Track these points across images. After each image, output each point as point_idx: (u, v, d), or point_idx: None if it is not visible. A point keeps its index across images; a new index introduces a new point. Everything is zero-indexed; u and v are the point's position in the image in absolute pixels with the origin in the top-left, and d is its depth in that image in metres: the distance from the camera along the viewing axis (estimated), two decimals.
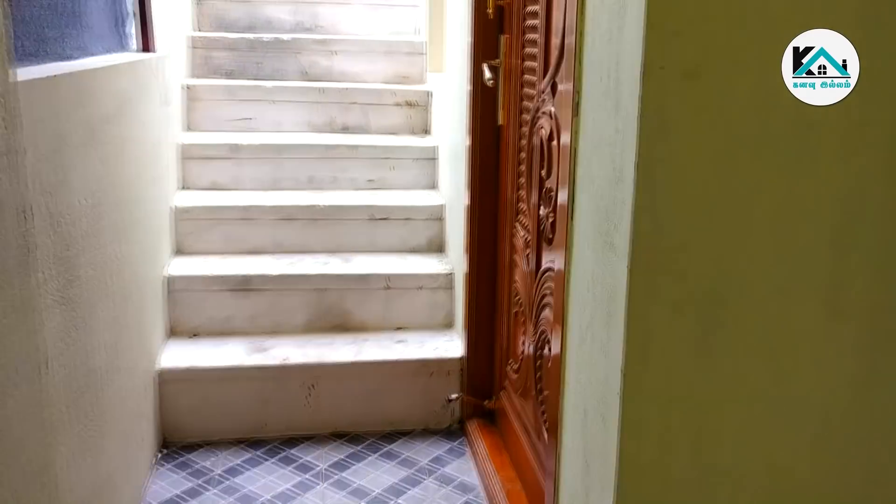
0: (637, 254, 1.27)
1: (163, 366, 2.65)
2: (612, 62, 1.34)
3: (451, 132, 3.08)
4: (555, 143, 1.94)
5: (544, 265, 2.05)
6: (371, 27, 4.09)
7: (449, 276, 3.01)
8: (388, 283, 2.99)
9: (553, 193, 1.95)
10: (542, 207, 2.06)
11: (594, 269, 1.44)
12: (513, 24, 2.35)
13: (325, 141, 3.43)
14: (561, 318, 1.65)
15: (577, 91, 1.54)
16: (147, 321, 2.53)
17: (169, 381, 2.64)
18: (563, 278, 1.65)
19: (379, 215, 3.19)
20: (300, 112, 3.61)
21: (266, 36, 3.82)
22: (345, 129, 3.63)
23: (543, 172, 2.03)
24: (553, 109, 1.95)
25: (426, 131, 3.67)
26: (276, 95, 3.59)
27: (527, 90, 2.23)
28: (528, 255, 2.22)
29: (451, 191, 3.10)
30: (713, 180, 1.25)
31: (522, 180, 2.29)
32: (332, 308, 2.97)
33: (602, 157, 1.39)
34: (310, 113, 3.61)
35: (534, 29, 2.13)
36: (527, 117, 2.22)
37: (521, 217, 2.33)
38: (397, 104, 3.65)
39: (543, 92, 2.01)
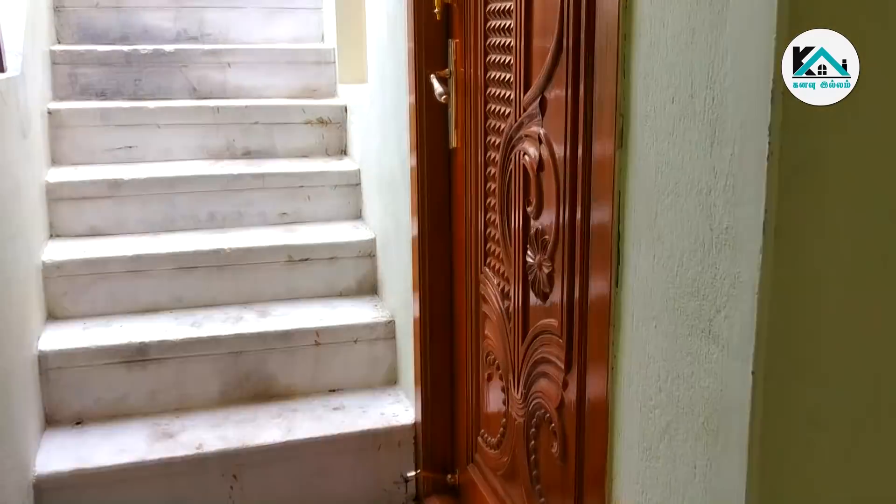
0: (767, 352, 0.87)
1: (39, 472, 2.07)
2: (698, 75, 0.94)
3: (379, 153, 2.63)
4: (545, 173, 1.54)
5: (538, 324, 1.64)
6: (269, 34, 3.55)
7: (389, 325, 2.56)
8: (317, 338, 2.50)
9: (547, 237, 1.55)
10: (529, 253, 1.65)
11: (673, 362, 1.04)
12: (468, 26, 1.93)
13: (225, 170, 2.91)
14: (604, 416, 1.24)
15: (621, 114, 1.13)
16: (16, 420, 1.95)
17: (48, 491, 2.06)
18: (602, 362, 1.24)
19: (298, 256, 2.70)
20: (192, 136, 3.05)
21: (144, 47, 3.23)
22: (247, 155, 3.11)
23: (530, 210, 1.63)
24: (542, 131, 1.55)
25: (343, 152, 3.19)
26: (162, 118, 3.03)
27: (494, 106, 1.81)
28: (507, 307, 1.81)
29: (383, 222, 2.64)
30: (879, 243, 0.87)
31: (492, 216, 1.87)
32: (251, 374, 2.46)
33: (685, 209, 0.99)
34: (204, 137, 3.06)
35: (504, 31, 1.72)
36: (496, 139, 1.81)
37: (492, 260, 1.91)
38: (307, 122, 3.16)
39: (527, 108, 1.61)
